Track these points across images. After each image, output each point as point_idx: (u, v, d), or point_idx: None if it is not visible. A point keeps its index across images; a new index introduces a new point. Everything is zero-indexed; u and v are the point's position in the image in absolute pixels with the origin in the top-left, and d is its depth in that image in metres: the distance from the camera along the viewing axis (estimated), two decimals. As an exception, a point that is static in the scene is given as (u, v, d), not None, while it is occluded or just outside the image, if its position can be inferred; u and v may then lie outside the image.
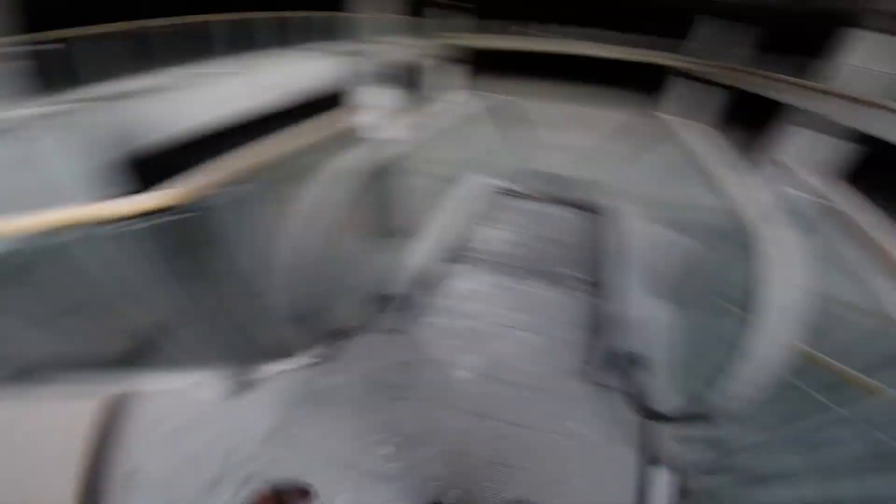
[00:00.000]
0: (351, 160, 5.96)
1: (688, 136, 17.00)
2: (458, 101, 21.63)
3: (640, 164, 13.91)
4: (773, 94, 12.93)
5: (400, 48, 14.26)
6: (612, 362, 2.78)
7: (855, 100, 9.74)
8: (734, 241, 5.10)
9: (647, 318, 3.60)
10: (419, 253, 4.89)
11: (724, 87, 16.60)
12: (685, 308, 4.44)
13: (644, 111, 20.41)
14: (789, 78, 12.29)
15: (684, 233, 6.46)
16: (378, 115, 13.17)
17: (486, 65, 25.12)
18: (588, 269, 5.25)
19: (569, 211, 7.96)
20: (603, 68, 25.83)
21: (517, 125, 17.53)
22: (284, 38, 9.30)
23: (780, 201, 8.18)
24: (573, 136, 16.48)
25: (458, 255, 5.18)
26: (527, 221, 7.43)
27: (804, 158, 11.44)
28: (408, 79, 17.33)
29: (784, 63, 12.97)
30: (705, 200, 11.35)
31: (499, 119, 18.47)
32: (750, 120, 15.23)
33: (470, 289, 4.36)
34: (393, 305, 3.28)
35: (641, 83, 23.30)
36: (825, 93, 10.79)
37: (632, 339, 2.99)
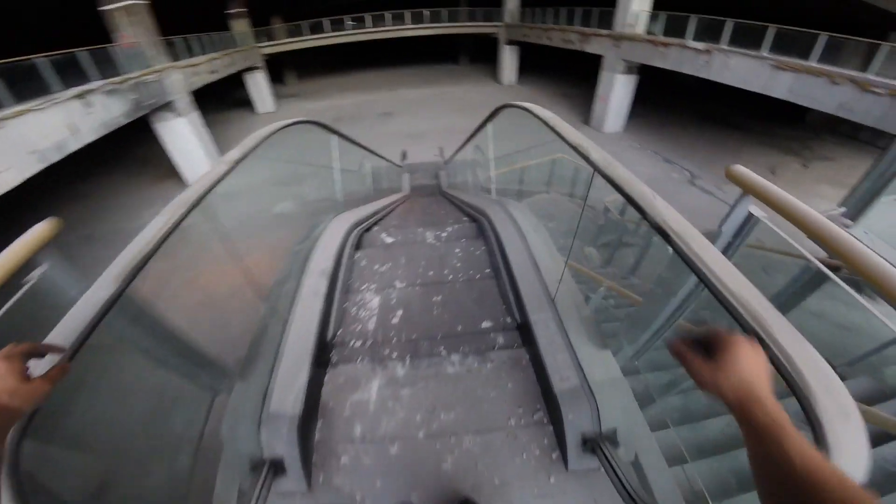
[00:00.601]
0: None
1: (533, 105, 18.04)
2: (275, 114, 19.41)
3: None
4: (582, 47, 14.30)
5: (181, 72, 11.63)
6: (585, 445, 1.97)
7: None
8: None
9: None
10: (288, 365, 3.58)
11: (542, 46, 17.98)
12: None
13: (483, 82, 21.17)
14: (594, 30, 13.68)
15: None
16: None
17: (308, 66, 23.27)
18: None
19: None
20: (432, 46, 26.35)
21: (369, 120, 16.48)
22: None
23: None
24: (429, 121, 16.07)
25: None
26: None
27: (618, 101, 12.99)
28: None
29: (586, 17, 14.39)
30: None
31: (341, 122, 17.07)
32: (569, 73, 17.01)
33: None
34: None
35: (476, 54, 24.47)
36: (622, 38, 12.22)
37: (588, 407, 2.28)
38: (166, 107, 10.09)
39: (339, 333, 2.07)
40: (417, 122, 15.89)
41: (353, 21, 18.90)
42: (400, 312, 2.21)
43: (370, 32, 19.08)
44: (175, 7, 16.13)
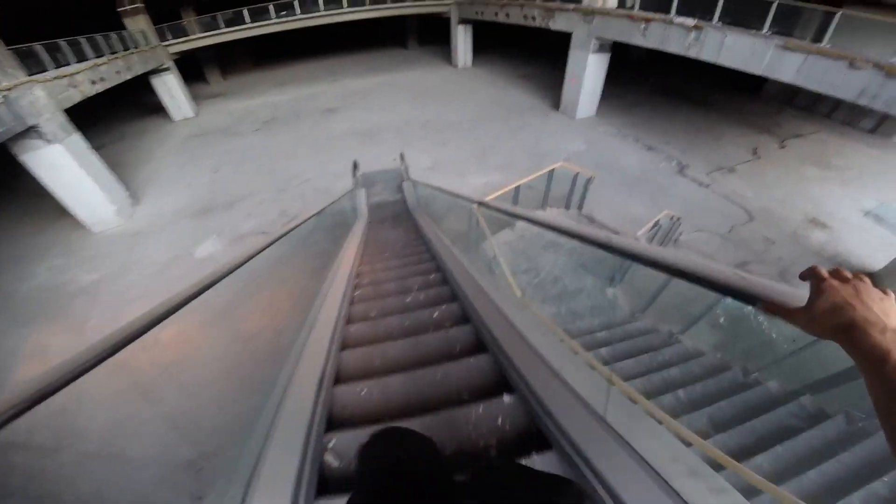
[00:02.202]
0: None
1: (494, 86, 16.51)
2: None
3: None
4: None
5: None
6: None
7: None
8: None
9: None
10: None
11: (498, 24, 16.32)
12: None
13: (436, 65, 19.26)
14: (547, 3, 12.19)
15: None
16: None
17: (235, 61, 20.04)
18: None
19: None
20: (377, 30, 23.85)
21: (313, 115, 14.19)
22: None
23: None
24: (382, 113, 14.06)
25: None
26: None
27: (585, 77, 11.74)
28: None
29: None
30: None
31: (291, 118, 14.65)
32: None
33: None
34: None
35: (426, 37, 22.35)
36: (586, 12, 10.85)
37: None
38: (29, 133, 7.48)
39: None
40: (368, 116, 13.84)
41: (279, 8, 16.17)
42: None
43: (300, 20, 16.45)
44: (38, 8, 12.82)
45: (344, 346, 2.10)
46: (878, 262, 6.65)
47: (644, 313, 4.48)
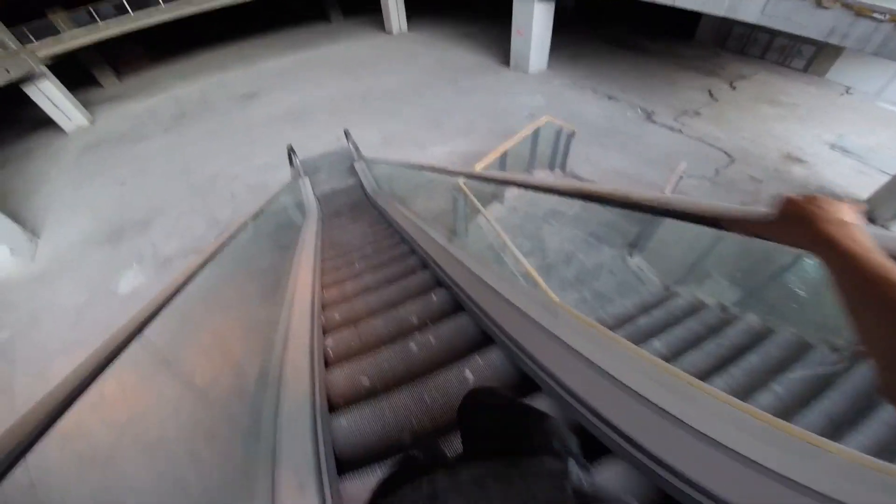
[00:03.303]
0: None
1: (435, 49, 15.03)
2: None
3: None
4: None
5: None
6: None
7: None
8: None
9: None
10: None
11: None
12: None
13: (368, 34, 17.32)
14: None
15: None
16: None
17: (129, 58, 16.58)
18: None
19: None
20: (291, 6, 21.07)
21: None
22: None
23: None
24: (312, 92, 12.20)
25: None
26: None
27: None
28: None
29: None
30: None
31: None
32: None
33: None
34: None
35: (350, 6, 20.01)
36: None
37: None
38: None
39: None
40: (295, 97, 11.95)
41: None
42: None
43: (194, 4, 13.79)
44: None
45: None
46: (861, 190, 6.50)
47: (681, 284, 3.72)
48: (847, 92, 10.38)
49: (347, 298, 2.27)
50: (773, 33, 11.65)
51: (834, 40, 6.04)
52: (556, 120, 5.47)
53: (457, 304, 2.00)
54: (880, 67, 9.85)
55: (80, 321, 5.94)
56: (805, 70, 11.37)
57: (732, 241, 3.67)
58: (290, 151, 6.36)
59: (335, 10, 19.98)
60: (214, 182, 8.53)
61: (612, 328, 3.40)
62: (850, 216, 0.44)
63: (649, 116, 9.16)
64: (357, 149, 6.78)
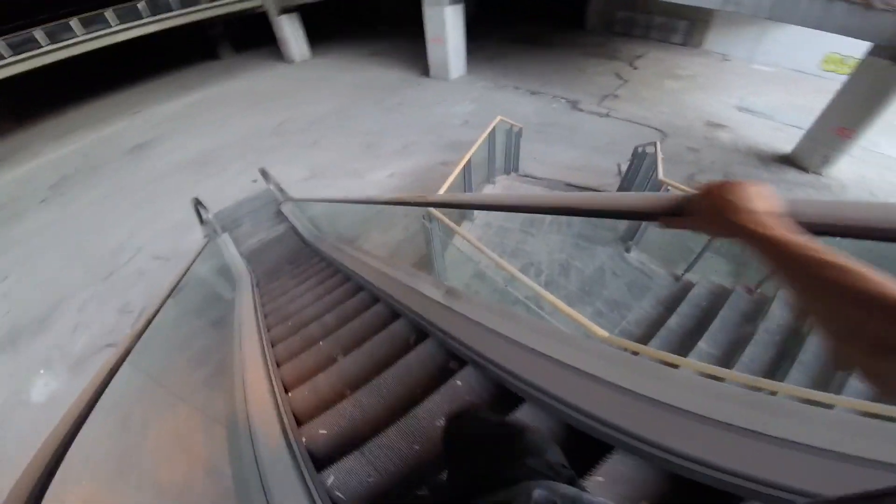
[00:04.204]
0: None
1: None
2: None
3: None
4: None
5: None
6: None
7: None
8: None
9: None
10: None
11: (328, 4, 14.08)
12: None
13: (268, 65, 16.11)
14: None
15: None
16: None
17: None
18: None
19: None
20: (175, 45, 19.09)
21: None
22: None
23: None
24: (215, 132, 10.79)
25: None
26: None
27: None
28: None
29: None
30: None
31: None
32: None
33: None
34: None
35: (242, 40, 18.50)
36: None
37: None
38: None
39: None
40: (197, 142, 10.48)
41: (13, 46, 11.23)
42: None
43: (48, 53, 11.76)
44: None
45: None
46: (785, 144, 6.99)
47: (688, 269, 3.41)
48: (725, 59, 11.55)
49: (328, 400, 1.50)
50: (651, 13, 12.73)
51: (730, 8, 6.42)
52: (509, 120, 5.07)
53: (493, 385, 1.34)
54: (744, 34, 11.08)
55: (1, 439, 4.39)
56: (684, 44, 12.49)
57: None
58: (197, 205, 5.20)
59: (225, 46, 18.40)
60: (116, 257, 6.95)
61: (644, 339, 2.87)
62: (756, 200, 0.44)
63: (574, 105, 9.31)
64: (281, 189, 5.83)
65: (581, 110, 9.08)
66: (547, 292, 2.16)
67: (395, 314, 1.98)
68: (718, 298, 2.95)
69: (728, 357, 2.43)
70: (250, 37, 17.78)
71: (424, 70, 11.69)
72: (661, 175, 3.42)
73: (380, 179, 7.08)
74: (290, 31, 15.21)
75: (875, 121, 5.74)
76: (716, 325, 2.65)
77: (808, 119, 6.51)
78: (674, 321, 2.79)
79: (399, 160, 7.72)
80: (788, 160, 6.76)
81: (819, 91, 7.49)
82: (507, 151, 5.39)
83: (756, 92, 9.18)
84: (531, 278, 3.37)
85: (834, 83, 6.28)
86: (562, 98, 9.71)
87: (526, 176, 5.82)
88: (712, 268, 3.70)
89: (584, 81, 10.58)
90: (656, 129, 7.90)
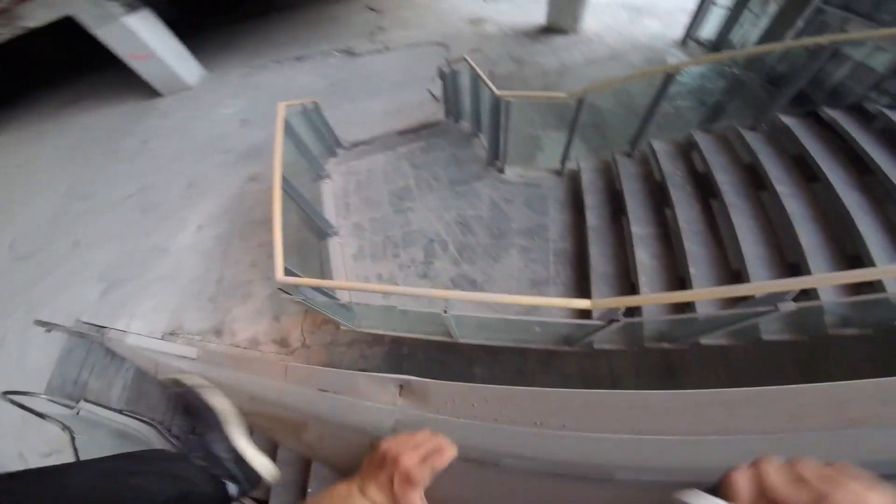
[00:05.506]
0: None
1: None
2: None
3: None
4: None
5: None
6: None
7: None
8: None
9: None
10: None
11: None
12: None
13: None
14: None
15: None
16: None
17: None
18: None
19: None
20: None
21: None
22: None
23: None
24: None
25: None
26: None
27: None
28: None
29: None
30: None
31: None
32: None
33: None
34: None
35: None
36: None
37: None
38: None
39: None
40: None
41: None
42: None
43: None
44: None
45: None
46: (537, 19, 7.53)
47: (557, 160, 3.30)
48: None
49: None
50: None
51: None
52: (291, 103, 4.03)
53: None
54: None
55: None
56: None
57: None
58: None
59: None
60: None
61: (578, 246, 2.67)
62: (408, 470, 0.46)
63: (350, 52, 8.45)
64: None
65: (359, 54, 8.29)
66: (492, 295, 1.69)
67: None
68: (609, 174, 2.94)
69: (662, 229, 2.41)
70: None
71: (151, 91, 8.92)
72: (496, 91, 3.10)
73: (192, 242, 5.26)
74: None
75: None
76: (628, 202, 2.60)
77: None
78: (591, 217, 2.67)
79: (196, 204, 5.88)
80: (550, 29, 7.42)
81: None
82: (317, 134, 4.45)
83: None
84: (441, 256, 2.86)
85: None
86: (333, 51, 8.68)
87: (355, 146, 5.03)
88: (579, 148, 3.74)
89: (342, 28, 9.65)
90: (437, 43, 7.74)
